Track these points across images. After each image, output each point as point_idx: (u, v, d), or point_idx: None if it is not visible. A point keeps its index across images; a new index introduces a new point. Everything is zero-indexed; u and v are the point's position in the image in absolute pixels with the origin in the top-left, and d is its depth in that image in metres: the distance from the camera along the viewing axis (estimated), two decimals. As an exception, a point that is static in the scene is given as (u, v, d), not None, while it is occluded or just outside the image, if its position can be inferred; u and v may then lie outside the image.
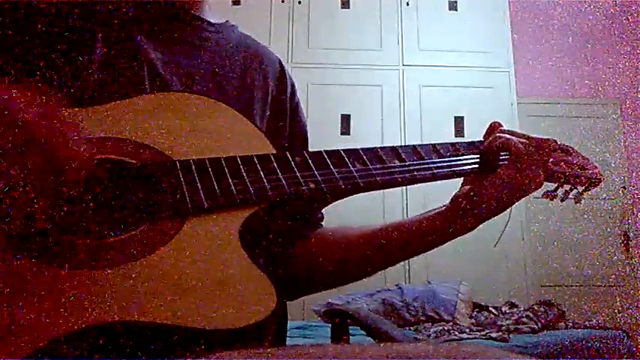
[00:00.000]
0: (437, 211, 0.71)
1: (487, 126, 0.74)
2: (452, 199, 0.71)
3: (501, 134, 0.70)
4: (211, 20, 0.78)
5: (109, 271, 0.46)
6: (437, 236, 0.70)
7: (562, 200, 0.78)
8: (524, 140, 0.69)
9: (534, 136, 0.70)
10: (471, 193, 0.69)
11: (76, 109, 0.59)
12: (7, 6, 0.64)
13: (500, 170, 0.68)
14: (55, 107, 0.50)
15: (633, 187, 4.23)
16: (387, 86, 3.59)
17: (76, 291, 0.45)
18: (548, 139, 0.70)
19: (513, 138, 0.69)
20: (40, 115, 0.48)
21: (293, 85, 0.84)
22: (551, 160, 0.73)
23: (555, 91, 4.33)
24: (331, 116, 3.45)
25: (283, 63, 0.84)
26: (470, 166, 0.69)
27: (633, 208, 4.20)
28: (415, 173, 0.65)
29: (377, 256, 0.74)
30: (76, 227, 0.52)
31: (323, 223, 0.83)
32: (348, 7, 3.69)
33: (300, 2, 3.67)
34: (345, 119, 3.48)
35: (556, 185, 0.77)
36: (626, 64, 4.44)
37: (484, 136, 0.74)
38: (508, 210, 0.69)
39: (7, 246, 0.46)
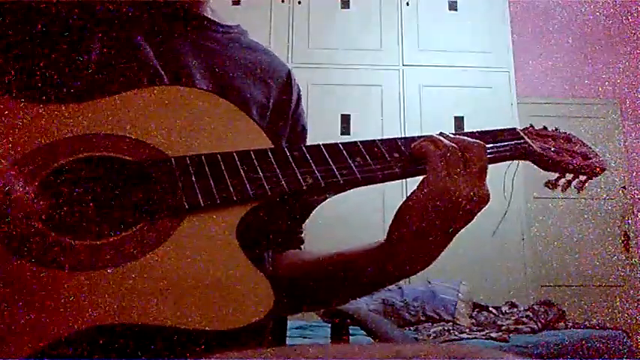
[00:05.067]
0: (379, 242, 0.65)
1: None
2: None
3: (423, 141, 0.62)
4: (220, 22, 0.77)
5: (108, 271, 0.46)
6: (382, 269, 0.64)
7: (563, 190, 0.75)
8: (447, 144, 0.60)
9: (466, 139, 0.62)
10: (403, 213, 0.61)
11: (72, 104, 0.58)
12: (6, 5, 0.64)
13: (422, 179, 0.61)
14: None
15: (633, 187, 4.23)
16: (387, 86, 3.59)
17: (76, 292, 0.45)
18: (477, 144, 0.61)
19: (430, 146, 0.60)
20: None
21: (299, 96, 0.81)
22: (553, 149, 0.72)
23: (555, 91, 4.33)
24: (331, 116, 3.45)
25: (292, 74, 0.82)
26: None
27: (633, 208, 4.20)
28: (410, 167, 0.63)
29: (324, 286, 0.71)
30: (74, 227, 0.51)
31: (302, 246, 0.79)
32: (348, 7, 3.69)
33: (300, 2, 3.67)
34: (345, 119, 3.48)
35: (557, 175, 0.75)
36: (626, 64, 4.44)
37: None
38: (506, 203, 0.66)
39: (6, 247, 0.46)
